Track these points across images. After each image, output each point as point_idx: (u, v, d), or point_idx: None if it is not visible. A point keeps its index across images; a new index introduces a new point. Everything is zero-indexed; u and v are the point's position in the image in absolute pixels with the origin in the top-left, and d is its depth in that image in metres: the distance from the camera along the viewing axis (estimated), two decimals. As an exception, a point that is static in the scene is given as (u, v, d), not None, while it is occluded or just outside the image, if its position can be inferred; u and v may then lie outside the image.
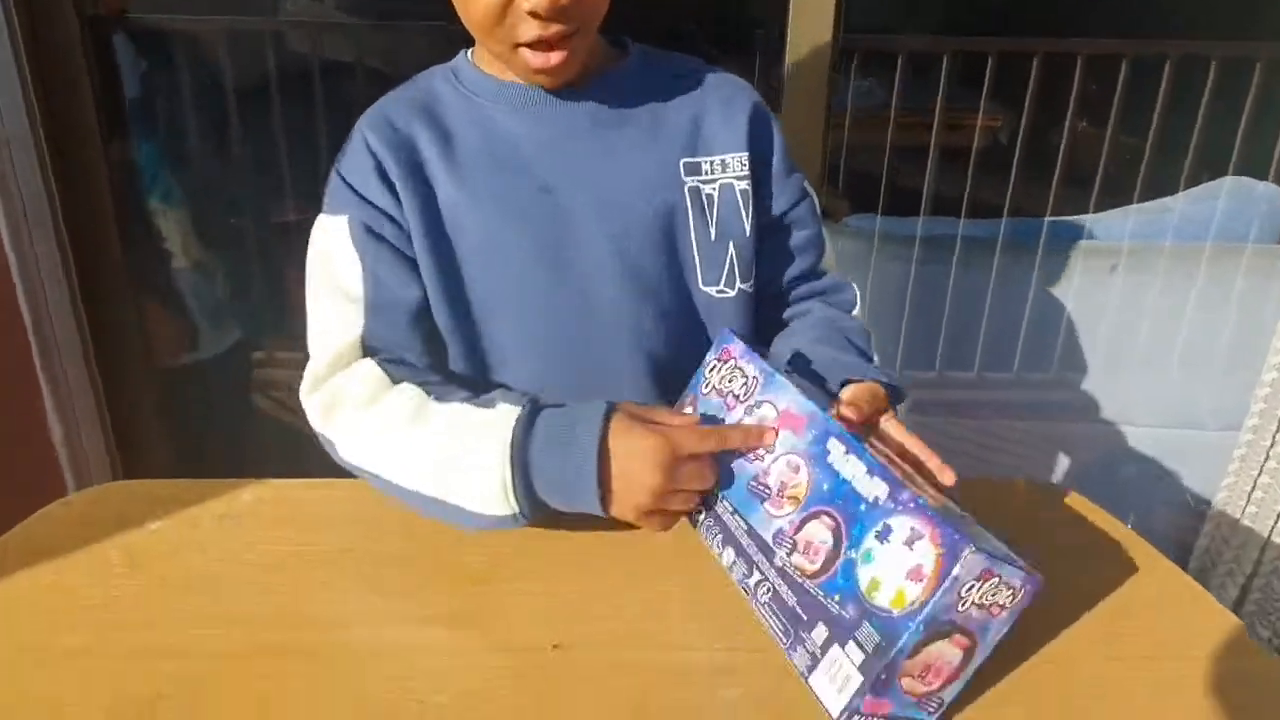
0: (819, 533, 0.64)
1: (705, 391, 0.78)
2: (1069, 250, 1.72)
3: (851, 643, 0.58)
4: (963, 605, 0.56)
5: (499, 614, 0.70)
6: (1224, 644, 0.67)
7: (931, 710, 0.59)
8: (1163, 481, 1.81)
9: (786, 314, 0.95)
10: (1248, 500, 1.65)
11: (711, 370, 0.79)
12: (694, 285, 0.87)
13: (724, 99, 0.88)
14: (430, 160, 0.83)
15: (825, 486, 0.65)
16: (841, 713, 0.57)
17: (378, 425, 0.76)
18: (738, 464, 0.72)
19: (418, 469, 0.74)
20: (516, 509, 0.70)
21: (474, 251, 0.85)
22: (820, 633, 0.61)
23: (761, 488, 0.70)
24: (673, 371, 0.87)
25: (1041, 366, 1.80)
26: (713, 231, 0.86)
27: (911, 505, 0.59)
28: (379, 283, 0.82)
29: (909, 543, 0.58)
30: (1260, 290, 1.69)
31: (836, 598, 0.60)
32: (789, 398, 0.70)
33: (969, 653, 0.58)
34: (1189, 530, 1.78)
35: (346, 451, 0.78)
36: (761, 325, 0.93)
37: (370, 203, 0.83)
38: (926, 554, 0.56)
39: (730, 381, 0.76)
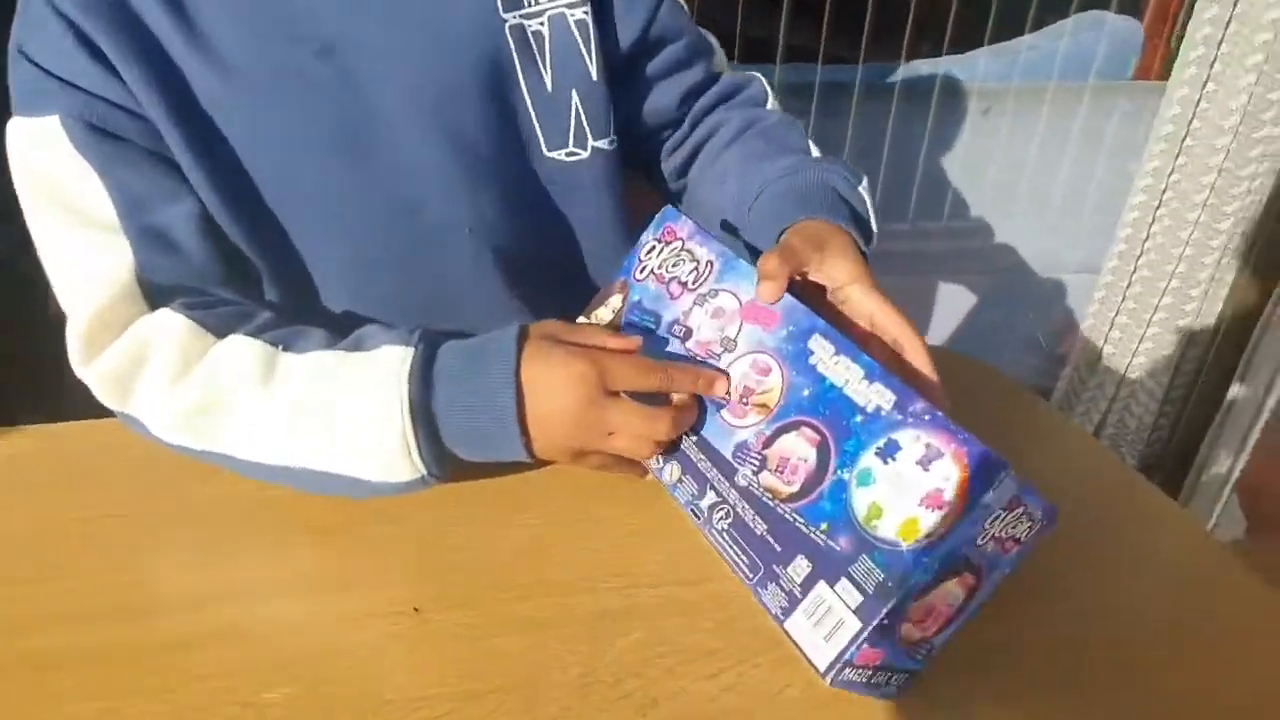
0: (798, 447, 0.52)
1: (640, 277, 0.64)
2: (936, 94, 1.64)
3: (845, 580, 0.47)
4: (982, 538, 0.46)
5: (349, 574, 0.56)
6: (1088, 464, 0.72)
7: (920, 658, 0.49)
8: (1022, 325, 1.83)
9: (690, 141, 0.80)
10: (1105, 340, 1.68)
11: (650, 253, 0.64)
12: (536, 153, 0.72)
13: None
14: (159, 27, 0.62)
15: (806, 393, 0.53)
16: (831, 665, 0.45)
17: (208, 395, 0.58)
18: (684, 360, 0.59)
19: (282, 442, 0.58)
20: (424, 470, 0.57)
21: (247, 149, 0.64)
22: (800, 567, 0.49)
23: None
24: (534, 270, 0.73)
25: (899, 217, 1.74)
26: (548, 80, 0.70)
27: (927, 418, 0.48)
28: (134, 198, 0.62)
29: (924, 462, 0.47)
30: (1131, 127, 1.67)
31: (824, 526, 0.49)
32: (756, 286, 0.57)
33: (971, 593, 0.48)
34: (1048, 374, 1.82)
35: (164, 431, 0.60)
36: (659, 184, 0.79)
37: (84, 89, 0.61)
38: (948, 476, 0.45)
39: (675, 266, 0.62)
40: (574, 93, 0.70)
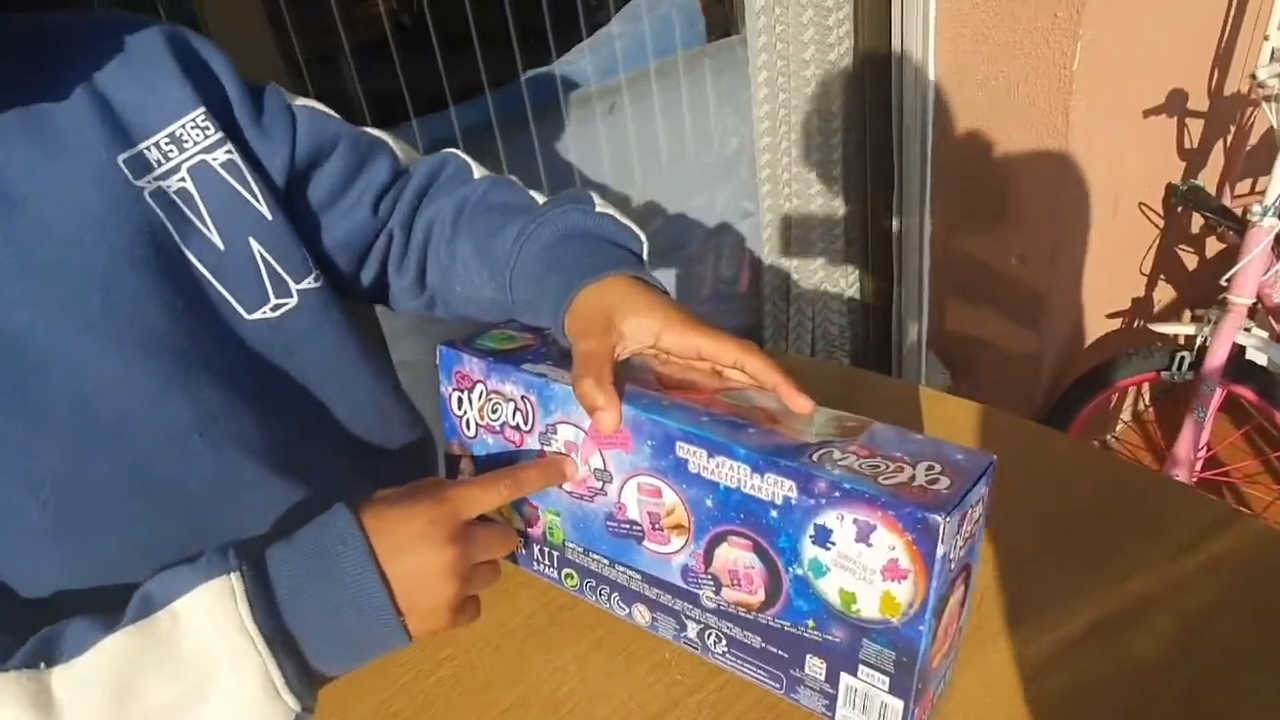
0: (739, 557, 0.49)
1: (471, 434, 0.59)
2: (565, 107, 1.66)
3: (863, 668, 0.46)
4: (953, 564, 0.44)
5: None
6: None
7: (953, 658, 0.50)
8: (710, 278, 1.93)
9: (412, 251, 0.72)
10: (789, 269, 1.84)
11: (459, 404, 0.57)
12: (238, 321, 0.61)
13: (124, 51, 0.59)
14: None
15: (709, 503, 0.49)
16: None
17: None
18: (574, 508, 0.56)
19: None
20: (296, 705, 0.47)
21: None
22: (815, 666, 0.48)
23: (625, 526, 0.54)
24: (297, 447, 0.62)
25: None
26: (216, 238, 0.60)
27: (837, 494, 0.44)
28: None
29: (861, 539, 0.44)
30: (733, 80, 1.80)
31: (810, 624, 0.47)
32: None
33: (967, 583, 0.48)
34: (753, 312, 1.94)
35: None
36: (406, 308, 0.71)
37: None
38: (893, 545, 0.43)
39: (495, 412, 0.56)
40: (251, 241, 0.61)
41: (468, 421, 0.59)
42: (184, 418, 0.57)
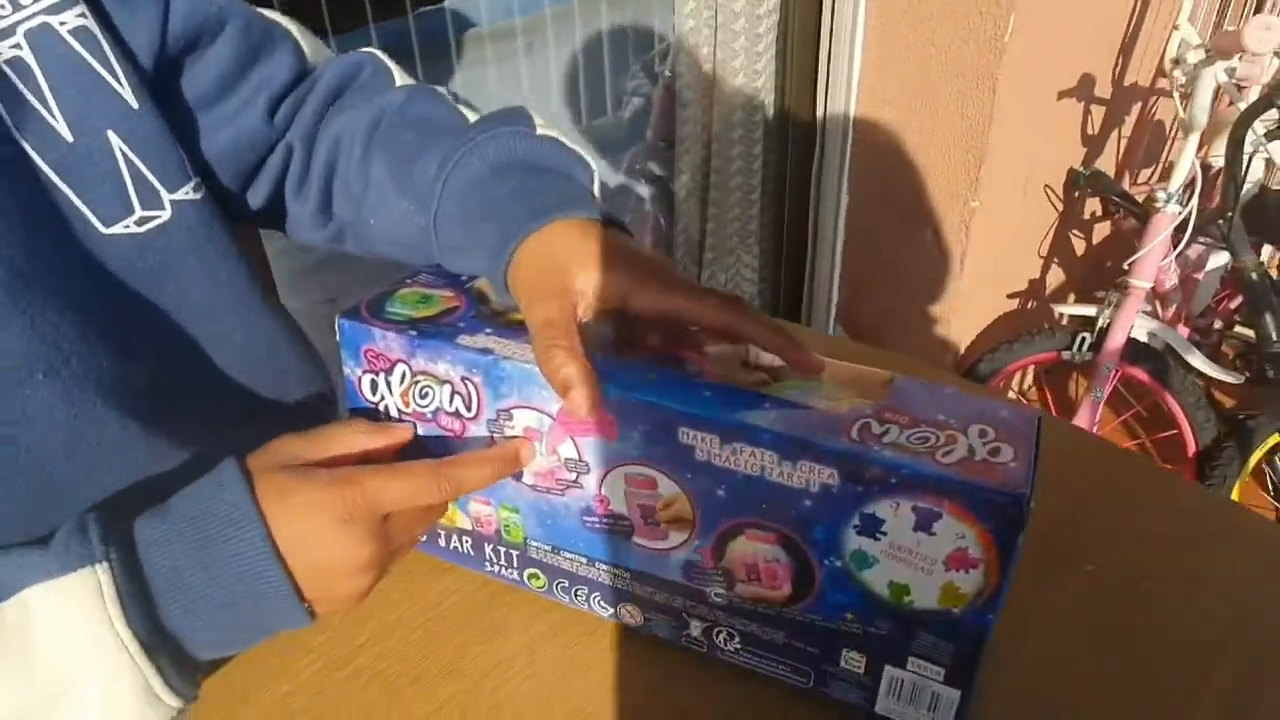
0: (760, 551, 0.42)
1: (398, 421, 0.49)
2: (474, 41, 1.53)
3: (914, 659, 0.40)
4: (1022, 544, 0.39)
5: None
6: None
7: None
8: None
9: (315, 169, 0.59)
10: (701, 235, 1.77)
11: (374, 389, 0.47)
12: (93, 235, 0.48)
13: None
14: None
15: (720, 493, 0.41)
16: None
17: None
18: (538, 503, 0.47)
19: None
20: (179, 702, 0.40)
21: None
22: (853, 659, 0.43)
23: (608, 522, 0.46)
24: (168, 394, 0.51)
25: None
26: (62, 126, 0.46)
27: (893, 481, 0.37)
28: None
29: (922, 528, 0.38)
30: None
31: (849, 616, 0.41)
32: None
33: None
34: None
35: None
36: (306, 238, 0.59)
37: None
38: (962, 533, 0.37)
39: (423, 397, 0.45)
40: (111, 136, 0.48)
41: (386, 408, 0.48)
42: (20, 352, 0.44)
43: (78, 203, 0.47)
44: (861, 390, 0.42)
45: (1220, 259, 1.70)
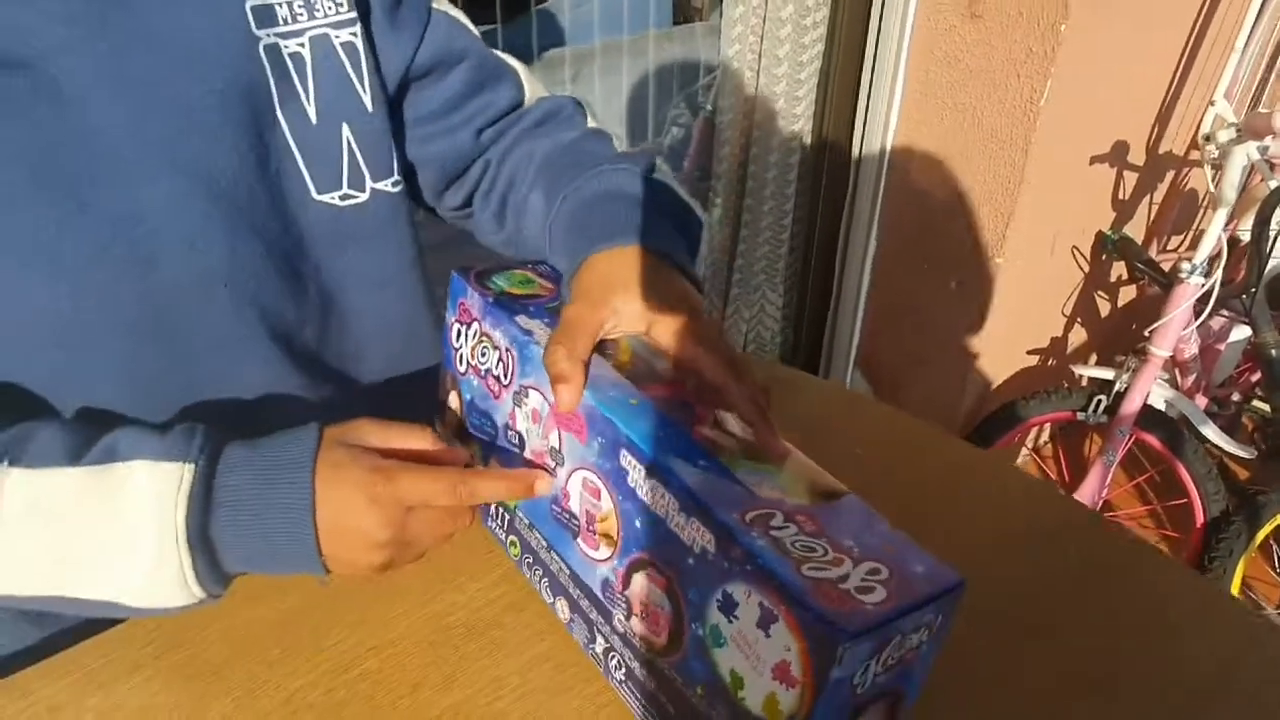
0: (651, 592, 0.44)
1: (462, 370, 0.56)
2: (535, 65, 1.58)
3: None
4: (862, 688, 0.37)
5: None
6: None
7: None
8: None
9: (498, 184, 0.69)
10: (730, 269, 1.81)
11: (459, 338, 0.56)
12: (304, 197, 0.60)
13: None
14: None
15: (638, 523, 0.44)
16: None
17: None
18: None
19: (21, 574, 0.48)
20: (202, 594, 0.50)
21: None
22: None
23: (565, 516, 0.50)
24: (310, 340, 0.62)
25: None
26: (312, 111, 0.58)
27: (748, 567, 0.38)
28: None
29: (763, 625, 0.37)
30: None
31: (699, 690, 0.42)
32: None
33: (893, 714, 0.41)
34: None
35: None
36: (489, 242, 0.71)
37: None
38: (789, 646, 0.36)
39: (483, 356, 0.52)
40: (345, 126, 0.60)
41: (461, 356, 0.56)
42: (216, 267, 0.55)
43: (303, 169, 0.58)
44: (809, 491, 0.42)
45: (1243, 332, 1.71)
